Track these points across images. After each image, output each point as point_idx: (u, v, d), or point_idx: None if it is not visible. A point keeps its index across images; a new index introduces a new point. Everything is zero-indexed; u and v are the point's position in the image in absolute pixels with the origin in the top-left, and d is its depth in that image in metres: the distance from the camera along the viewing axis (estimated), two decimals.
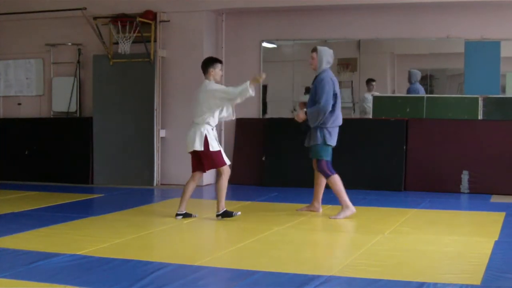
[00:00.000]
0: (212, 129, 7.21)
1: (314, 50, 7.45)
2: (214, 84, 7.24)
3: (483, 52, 9.79)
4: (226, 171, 7.24)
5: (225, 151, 10.84)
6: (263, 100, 10.87)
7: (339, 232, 6.70)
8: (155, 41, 10.43)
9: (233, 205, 8.51)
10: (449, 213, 7.93)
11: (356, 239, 6.47)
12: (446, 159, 9.69)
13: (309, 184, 9.97)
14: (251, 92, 7.06)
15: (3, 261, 5.31)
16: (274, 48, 11.07)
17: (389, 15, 10.17)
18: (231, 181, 10.55)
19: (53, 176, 10.85)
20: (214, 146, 7.15)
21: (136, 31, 10.22)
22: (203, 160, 7.20)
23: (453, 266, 5.20)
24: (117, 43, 10.44)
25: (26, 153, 11.15)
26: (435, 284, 4.54)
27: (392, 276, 4.80)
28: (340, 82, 10.83)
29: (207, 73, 7.27)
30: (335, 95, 7.35)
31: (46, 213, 7.79)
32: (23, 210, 7.92)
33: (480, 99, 9.80)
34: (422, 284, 4.53)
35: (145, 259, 5.29)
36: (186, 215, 7.35)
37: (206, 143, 7.09)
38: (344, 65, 10.51)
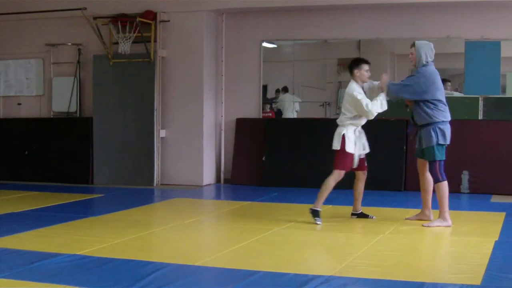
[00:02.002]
0: (355, 130, 7.04)
1: (413, 45, 7.08)
2: (356, 88, 7.02)
3: (483, 52, 9.78)
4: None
5: (225, 151, 11.01)
6: (263, 100, 10.86)
7: (339, 232, 6.69)
8: (155, 41, 10.42)
9: (233, 205, 8.53)
10: (449, 213, 7.91)
11: (356, 239, 6.47)
12: (446, 159, 9.56)
13: (309, 184, 10.02)
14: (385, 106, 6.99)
15: (3, 261, 5.31)
16: (274, 48, 11.07)
17: (389, 15, 10.16)
18: (231, 181, 10.67)
19: (53, 176, 10.84)
20: (349, 147, 6.98)
21: (136, 31, 10.22)
22: (334, 156, 7.08)
23: (453, 266, 5.20)
24: (117, 43, 10.43)
25: (26, 153, 11.15)
26: (435, 284, 4.53)
27: (392, 276, 4.80)
28: (340, 82, 10.93)
29: (352, 74, 7.10)
30: (438, 89, 6.87)
31: (46, 213, 7.78)
32: (23, 210, 7.91)
33: (480, 99, 9.80)
34: (422, 284, 4.53)
35: (145, 259, 5.28)
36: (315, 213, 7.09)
37: (343, 142, 6.96)
38: (344, 65, 10.48)
